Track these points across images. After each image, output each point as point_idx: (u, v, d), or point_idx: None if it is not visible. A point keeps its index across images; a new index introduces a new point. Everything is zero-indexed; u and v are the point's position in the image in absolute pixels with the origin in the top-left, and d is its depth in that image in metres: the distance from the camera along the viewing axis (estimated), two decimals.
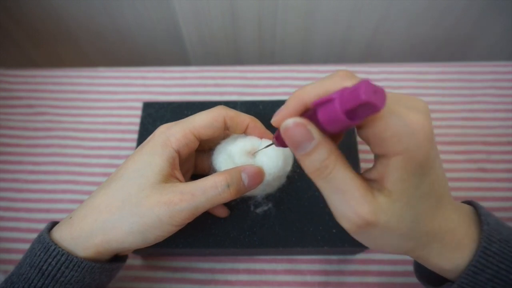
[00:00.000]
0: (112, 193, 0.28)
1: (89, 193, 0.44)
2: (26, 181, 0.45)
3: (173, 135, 0.29)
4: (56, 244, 0.27)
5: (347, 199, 0.21)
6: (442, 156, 0.46)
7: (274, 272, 0.40)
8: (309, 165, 0.22)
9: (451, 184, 0.44)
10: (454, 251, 0.24)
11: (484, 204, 0.42)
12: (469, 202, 0.27)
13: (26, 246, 0.41)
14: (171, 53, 0.69)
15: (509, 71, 0.51)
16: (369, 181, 0.23)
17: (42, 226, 0.42)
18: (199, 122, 0.30)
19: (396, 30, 0.62)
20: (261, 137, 0.32)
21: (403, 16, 0.59)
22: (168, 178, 0.28)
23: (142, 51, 0.69)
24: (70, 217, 0.29)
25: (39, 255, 0.27)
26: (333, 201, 0.22)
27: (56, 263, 0.27)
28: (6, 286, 0.27)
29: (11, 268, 0.40)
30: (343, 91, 0.19)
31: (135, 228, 0.27)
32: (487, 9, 0.57)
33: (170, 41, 0.66)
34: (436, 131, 0.48)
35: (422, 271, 0.29)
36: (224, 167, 0.31)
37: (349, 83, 0.21)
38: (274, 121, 0.24)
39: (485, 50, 0.66)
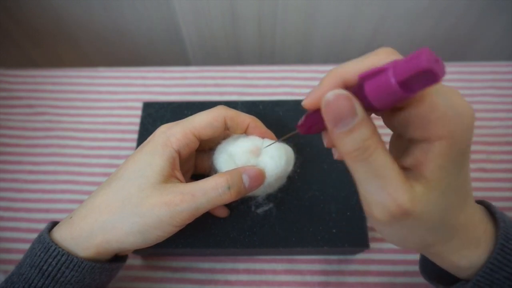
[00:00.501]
0: (112, 193, 0.28)
1: (88, 193, 0.44)
2: (26, 181, 0.45)
3: (173, 135, 0.29)
4: (56, 244, 0.27)
5: (385, 185, 0.19)
6: None
7: (274, 272, 0.40)
8: (349, 144, 0.19)
9: None
10: (473, 248, 0.23)
11: None
12: (480, 202, 0.26)
13: (26, 246, 0.41)
14: (171, 53, 0.69)
15: (509, 71, 0.51)
16: (406, 169, 0.21)
17: (41, 226, 0.42)
18: (199, 122, 0.30)
19: (396, 30, 0.62)
20: (262, 137, 0.32)
21: (403, 16, 0.59)
22: (169, 178, 0.28)
23: (142, 51, 0.69)
24: (71, 217, 0.29)
25: (39, 255, 0.27)
26: (368, 187, 0.20)
27: (57, 263, 0.27)
28: (6, 286, 0.27)
29: (11, 268, 0.40)
30: (396, 62, 0.17)
31: (135, 228, 0.27)
32: (487, 9, 0.57)
33: (170, 41, 0.66)
34: None
35: (429, 270, 0.29)
36: (225, 167, 0.31)
37: (397, 57, 0.19)
38: (306, 102, 0.21)
39: (485, 50, 0.66)
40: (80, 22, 0.62)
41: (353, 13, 0.58)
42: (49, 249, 0.27)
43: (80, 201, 0.43)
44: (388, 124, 0.22)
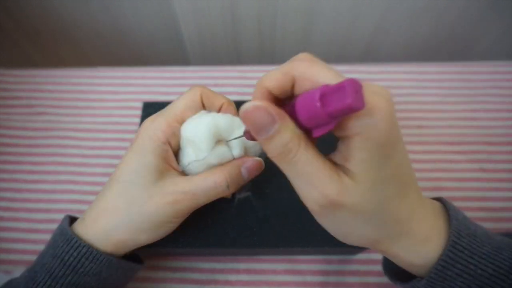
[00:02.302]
0: (116, 196, 0.29)
1: (89, 193, 0.44)
2: (26, 181, 0.45)
3: (158, 128, 0.29)
4: (78, 237, 0.28)
5: (312, 180, 0.21)
6: (442, 156, 0.46)
7: (274, 272, 0.40)
8: (272, 149, 0.21)
9: (451, 184, 0.44)
10: (423, 245, 0.23)
11: (484, 204, 0.43)
12: (438, 199, 0.26)
13: (26, 246, 0.41)
14: (171, 53, 0.69)
15: (509, 71, 0.51)
16: (335, 165, 0.22)
17: (42, 226, 0.42)
18: (179, 108, 0.30)
19: (396, 30, 0.62)
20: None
21: (403, 16, 0.59)
22: (165, 172, 0.29)
23: (142, 51, 0.69)
24: (83, 219, 0.30)
25: (62, 246, 0.28)
26: (298, 184, 0.22)
27: (77, 254, 0.28)
28: (29, 275, 0.28)
29: (11, 268, 0.40)
30: (325, 90, 0.19)
31: (145, 227, 0.28)
32: (487, 9, 0.57)
33: (170, 41, 0.66)
34: (436, 131, 0.48)
35: (390, 267, 0.29)
36: (195, 169, 0.30)
37: (311, 69, 0.21)
38: (240, 113, 0.22)
39: (485, 50, 0.66)
40: (80, 22, 0.62)
41: (353, 13, 0.58)
42: (71, 241, 0.28)
43: (81, 201, 0.44)
44: None
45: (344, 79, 0.19)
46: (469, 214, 0.42)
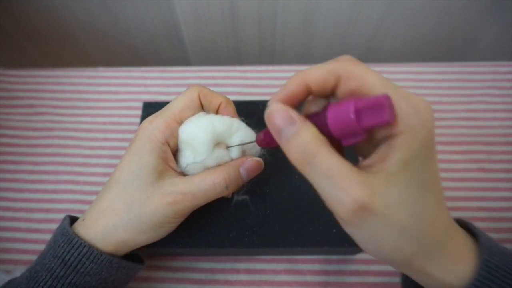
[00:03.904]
0: (115, 197, 0.29)
1: (89, 193, 0.44)
2: (26, 181, 0.45)
3: (156, 129, 0.29)
4: (79, 237, 0.28)
5: (338, 182, 0.20)
6: (442, 156, 0.46)
7: (274, 272, 0.40)
8: (294, 152, 0.21)
9: (451, 184, 0.44)
10: (457, 262, 0.22)
11: (484, 204, 0.43)
12: (456, 220, 0.25)
13: (26, 246, 0.41)
14: (171, 53, 0.69)
15: (509, 71, 0.51)
16: (368, 167, 0.21)
17: (42, 226, 0.42)
18: (177, 107, 0.30)
19: (396, 30, 0.62)
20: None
21: (403, 16, 0.59)
22: (164, 172, 0.29)
23: (142, 51, 0.69)
24: (83, 219, 0.30)
25: (63, 246, 0.28)
26: (323, 188, 0.21)
27: (78, 254, 0.28)
28: (30, 275, 0.28)
29: (11, 268, 0.40)
30: (360, 104, 0.20)
31: (145, 228, 0.28)
32: (487, 9, 0.57)
33: (170, 41, 0.66)
34: (436, 131, 0.48)
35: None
36: (193, 171, 0.30)
37: (358, 68, 0.21)
38: (270, 102, 0.23)
39: (485, 50, 0.66)
40: (80, 22, 0.62)
41: (353, 13, 0.58)
42: (71, 241, 0.28)
43: (81, 201, 0.44)
44: None
45: (386, 82, 0.20)
46: (469, 214, 0.42)
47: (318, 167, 0.20)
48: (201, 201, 0.29)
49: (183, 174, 0.30)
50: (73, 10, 0.60)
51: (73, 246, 0.28)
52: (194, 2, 0.56)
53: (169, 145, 0.30)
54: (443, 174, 0.45)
